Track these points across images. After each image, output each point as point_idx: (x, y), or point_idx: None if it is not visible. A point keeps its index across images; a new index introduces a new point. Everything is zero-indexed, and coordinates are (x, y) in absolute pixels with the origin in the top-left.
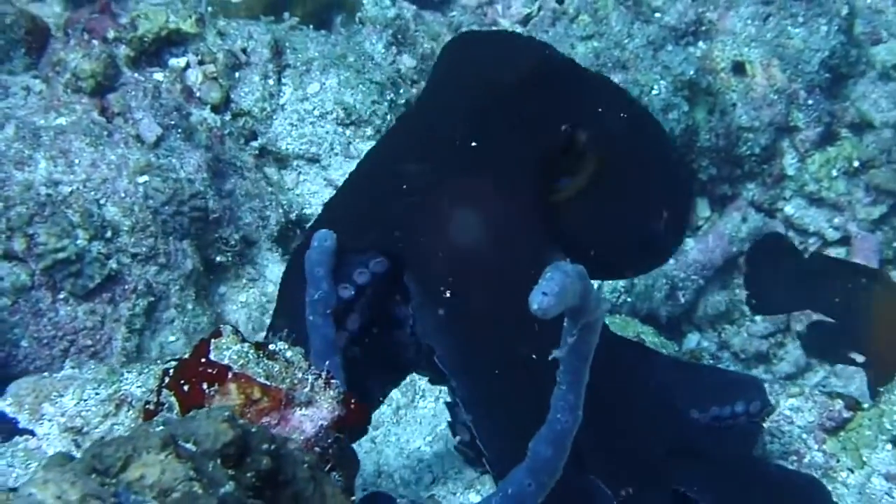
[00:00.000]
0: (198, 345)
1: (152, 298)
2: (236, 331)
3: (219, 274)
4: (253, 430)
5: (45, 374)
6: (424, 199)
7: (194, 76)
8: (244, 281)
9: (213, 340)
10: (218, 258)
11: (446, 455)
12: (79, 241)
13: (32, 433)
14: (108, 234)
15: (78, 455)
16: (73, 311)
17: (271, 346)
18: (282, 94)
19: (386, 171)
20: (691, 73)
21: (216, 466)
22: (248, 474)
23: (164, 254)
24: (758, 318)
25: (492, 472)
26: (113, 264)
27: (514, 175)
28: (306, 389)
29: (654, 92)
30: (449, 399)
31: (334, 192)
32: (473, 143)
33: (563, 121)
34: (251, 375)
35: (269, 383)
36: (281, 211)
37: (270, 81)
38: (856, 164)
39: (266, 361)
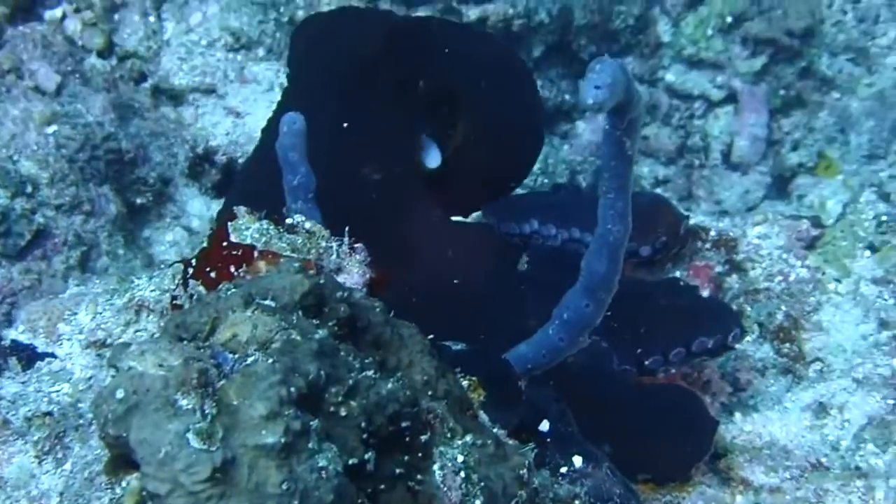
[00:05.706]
0: (215, 231)
1: (84, 248)
2: (251, 210)
3: (141, 216)
4: (322, 280)
5: (52, 295)
6: None
7: (73, 25)
8: (168, 220)
9: (229, 223)
10: (139, 200)
11: None
12: (1, 201)
13: (53, 356)
14: (29, 189)
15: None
16: (7, 272)
17: (289, 220)
18: (165, 29)
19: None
20: None
21: (300, 318)
22: (330, 323)
23: (88, 201)
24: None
25: None
26: (39, 219)
27: (391, 145)
28: (333, 257)
29: None
30: None
31: (236, 121)
32: (345, 124)
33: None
34: (277, 251)
35: (296, 256)
36: (187, 147)
37: (151, 19)
38: (729, 19)
39: (288, 235)
